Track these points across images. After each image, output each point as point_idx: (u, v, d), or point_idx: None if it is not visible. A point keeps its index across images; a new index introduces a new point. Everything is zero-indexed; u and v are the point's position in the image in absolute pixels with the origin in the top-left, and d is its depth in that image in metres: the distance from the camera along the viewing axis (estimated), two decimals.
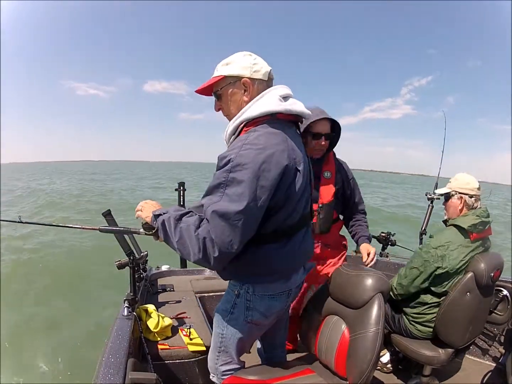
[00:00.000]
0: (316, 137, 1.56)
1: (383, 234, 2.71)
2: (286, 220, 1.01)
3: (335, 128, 1.61)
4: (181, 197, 3.18)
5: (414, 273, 1.62)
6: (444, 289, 1.59)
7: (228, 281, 1.16)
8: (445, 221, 1.77)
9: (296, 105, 1.05)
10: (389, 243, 2.70)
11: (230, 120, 1.06)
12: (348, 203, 1.80)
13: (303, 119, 1.13)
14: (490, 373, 1.79)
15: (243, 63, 1.02)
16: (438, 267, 1.56)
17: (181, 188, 3.17)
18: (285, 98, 1.04)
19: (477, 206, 1.66)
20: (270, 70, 1.06)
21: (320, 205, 1.65)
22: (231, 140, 1.05)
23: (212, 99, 1.12)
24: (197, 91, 1.10)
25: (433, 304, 1.63)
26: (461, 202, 1.67)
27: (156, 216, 1.02)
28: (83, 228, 1.45)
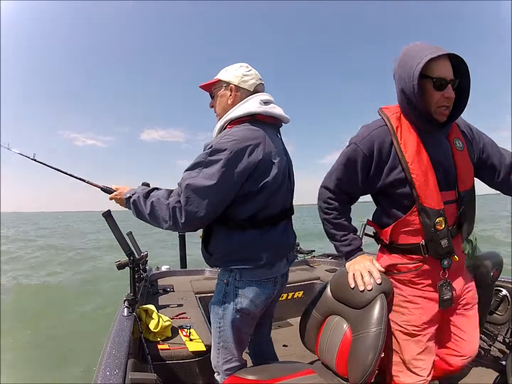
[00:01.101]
0: (439, 86, 0.99)
1: None
2: (265, 209, 1.12)
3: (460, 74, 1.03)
4: None
5: None
6: None
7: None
8: None
9: (275, 109, 1.19)
10: None
11: (218, 118, 1.24)
12: (494, 166, 1.17)
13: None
14: (490, 374, 1.78)
15: (235, 73, 1.19)
16: None
17: None
18: (266, 103, 1.18)
19: None
20: (260, 84, 1.22)
21: (462, 193, 1.10)
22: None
23: None
24: (200, 86, 1.27)
25: None
26: None
27: (128, 199, 1.18)
28: (88, 183, 1.46)
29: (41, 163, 1.55)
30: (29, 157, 1.54)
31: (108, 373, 1.00)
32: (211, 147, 1.05)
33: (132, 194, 1.16)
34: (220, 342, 1.22)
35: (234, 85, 1.17)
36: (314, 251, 3.32)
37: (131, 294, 1.50)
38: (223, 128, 1.17)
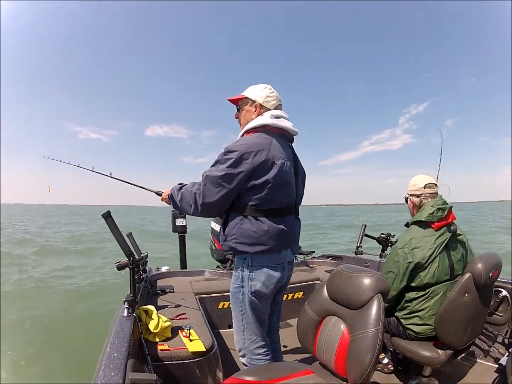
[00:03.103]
0: None
1: (383, 236, 2.71)
2: (268, 202, 1.32)
3: None
4: None
5: (391, 277, 1.66)
6: (424, 282, 1.61)
7: (228, 278, 1.41)
8: (406, 224, 1.84)
9: (283, 122, 1.42)
10: (389, 244, 2.70)
11: (240, 128, 1.49)
12: None
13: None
14: (490, 374, 1.79)
15: (260, 93, 1.44)
16: (409, 262, 1.61)
17: None
18: (278, 117, 1.41)
19: (426, 203, 1.75)
20: (279, 104, 1.47)
21: None
22: None
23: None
24: (228, 99, 1.52)
25: (420, 299, 1.64)
26: (411, 203, 1.83)
27: (169, 196, 1.49)
28: (156, 193, 1.69)
29: (117, 179, 1.87)
30: (106, 175, 1.90)
31: (107, 373, 1.00)
32: (226, 149, 1.33)
33: (170, 190, 1.47)
34: (244, 324, 1.40)
35: (259, 103, 1.43)
36: (314, 252, 3.33)
37: (131, 295, 1.51)
38: (242, 135, 1.44)
